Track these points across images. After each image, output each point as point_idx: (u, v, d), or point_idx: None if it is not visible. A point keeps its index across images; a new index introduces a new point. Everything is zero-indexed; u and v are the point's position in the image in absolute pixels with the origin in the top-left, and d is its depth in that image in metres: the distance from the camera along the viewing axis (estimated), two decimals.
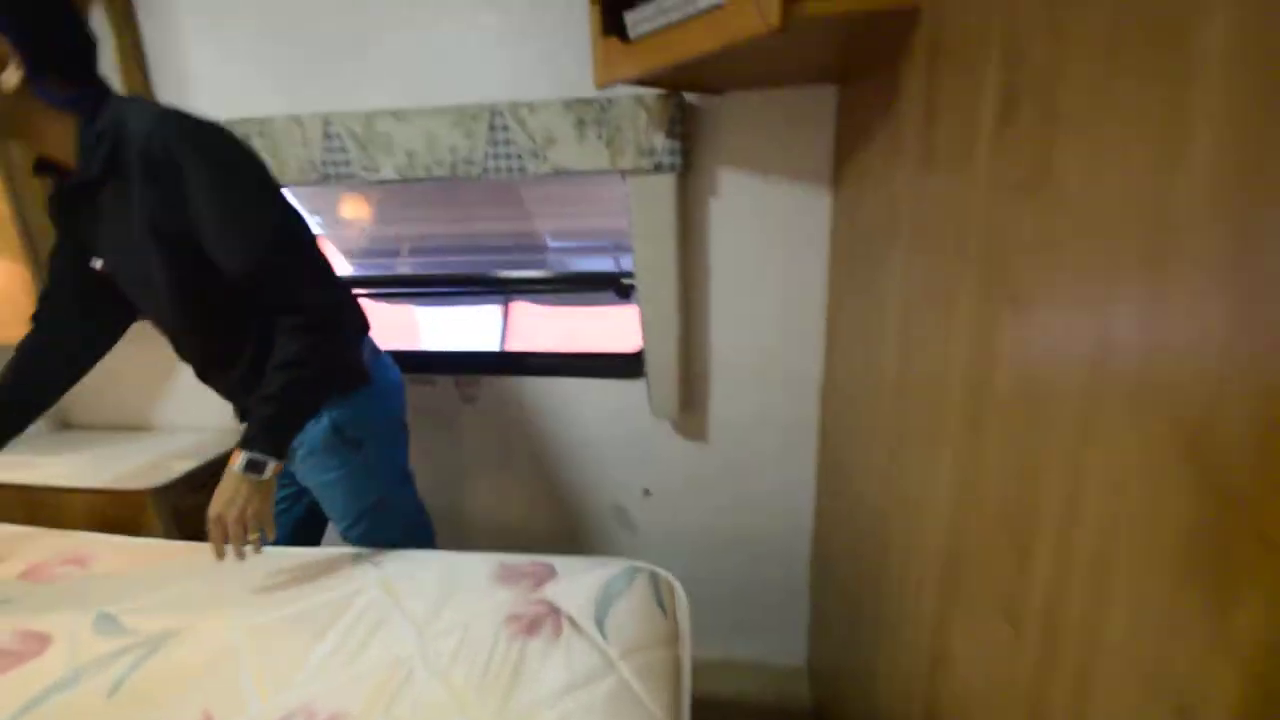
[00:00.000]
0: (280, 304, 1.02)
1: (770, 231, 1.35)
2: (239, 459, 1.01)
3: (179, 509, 1.54)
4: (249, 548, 1.05)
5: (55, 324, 1.19)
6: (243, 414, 1.23)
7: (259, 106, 1.42)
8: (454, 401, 1.63)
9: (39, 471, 1.57)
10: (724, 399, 1.48)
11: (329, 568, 1.16)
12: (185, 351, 1.18)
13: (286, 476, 1.31)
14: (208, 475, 1.61)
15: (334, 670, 0.91)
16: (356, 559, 1.18)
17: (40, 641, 0.99)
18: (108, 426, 1.89)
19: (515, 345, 1.83)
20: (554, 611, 1.00)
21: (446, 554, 1.20)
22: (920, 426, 0.77)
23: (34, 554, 1.25)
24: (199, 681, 0.90)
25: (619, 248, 2.36)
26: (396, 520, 1.29)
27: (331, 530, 1.37)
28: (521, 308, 2.18)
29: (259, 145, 1.42)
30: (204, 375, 1.20)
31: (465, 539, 1.78)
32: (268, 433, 1.03)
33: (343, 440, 1.17)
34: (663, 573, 1.09)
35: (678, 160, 1.28)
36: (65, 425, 1.92)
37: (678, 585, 1.08)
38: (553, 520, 1.70)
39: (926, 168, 0.76)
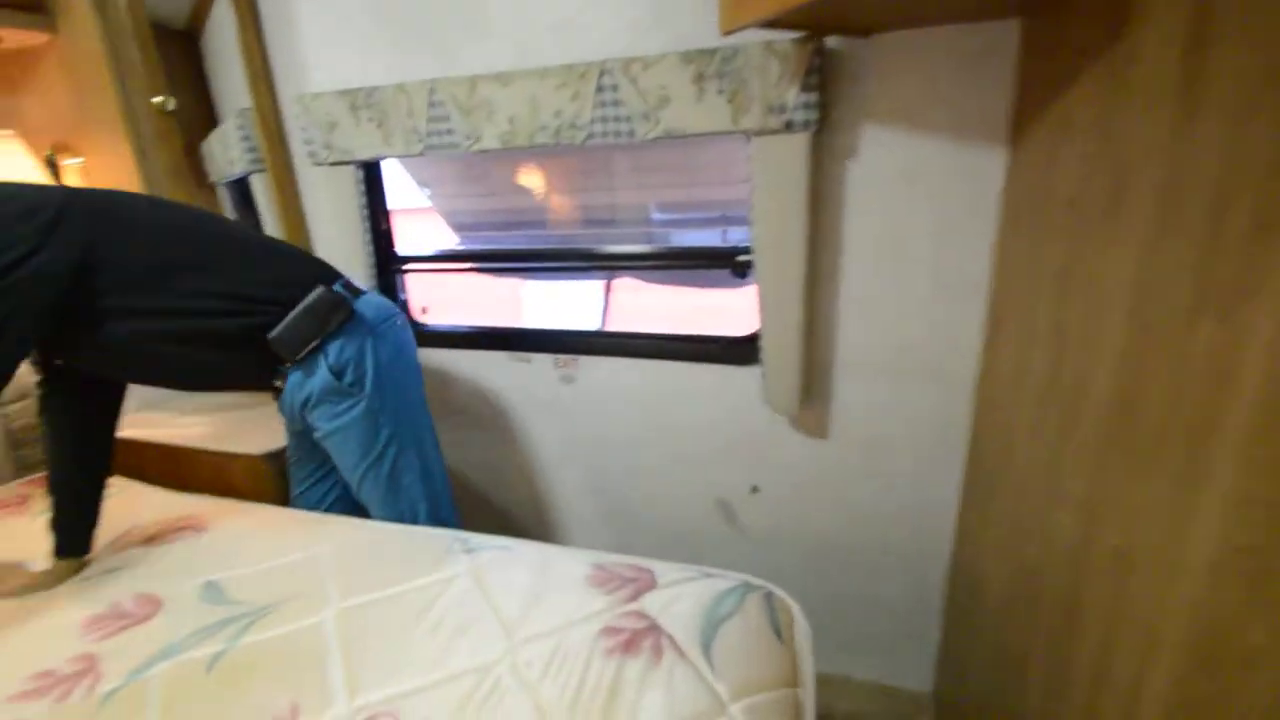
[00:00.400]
0: None
1: (922, 199, 1.14)
2: None
3: (284, 471, 1.57)
4: None
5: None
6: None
7: (370, 77, 1.38)
8: (551, 381, 1.55)
9: (172, 431, 1.66)
10: (851, 394, 1.29)
11: (423, 547, 1.12)
12: None
13: (310, 448, 1.31)
14: None
15: (421, 669, 0.85)
16: (449, 543, 1.13)
17: (152, 605, 1.02)
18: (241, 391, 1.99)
19: (617, 325, 1.73)
20: (654, 629, 0.88)
21: (538, 546, 1.13)
22: (1157, 457, 0.57)
23: (156, 514, 1.31)
24: (291, 664, 0.88)
25: (728, 220, 2.19)
26: (410, 475, 1.25)
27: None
28: (625, 284, 2.08)
29: (366, 116, 1.38)
30: None
31: (555, 528, 1.73)
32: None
33: (342, 383, 1.16)
34: (779, 593, 0.95)
35: (813, 117, 1.10)
36: None
37: (797, 611, 0.93)
38: (649, 512, 1.60)
39: (1192, 115, 0.55)
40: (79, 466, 1.17)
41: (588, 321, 2.23)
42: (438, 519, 1.27)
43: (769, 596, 0.94)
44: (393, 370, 1.22)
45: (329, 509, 1.37)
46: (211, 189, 1.70)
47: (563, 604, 0.95)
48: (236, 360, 1.16)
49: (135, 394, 1.33)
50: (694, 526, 1.54)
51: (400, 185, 1.80)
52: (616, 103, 1.21)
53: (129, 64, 1.47)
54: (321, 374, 1.15)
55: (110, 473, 1.21)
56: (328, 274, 1.22)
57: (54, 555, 1.12)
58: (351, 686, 0.83)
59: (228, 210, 1.74)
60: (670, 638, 0.87)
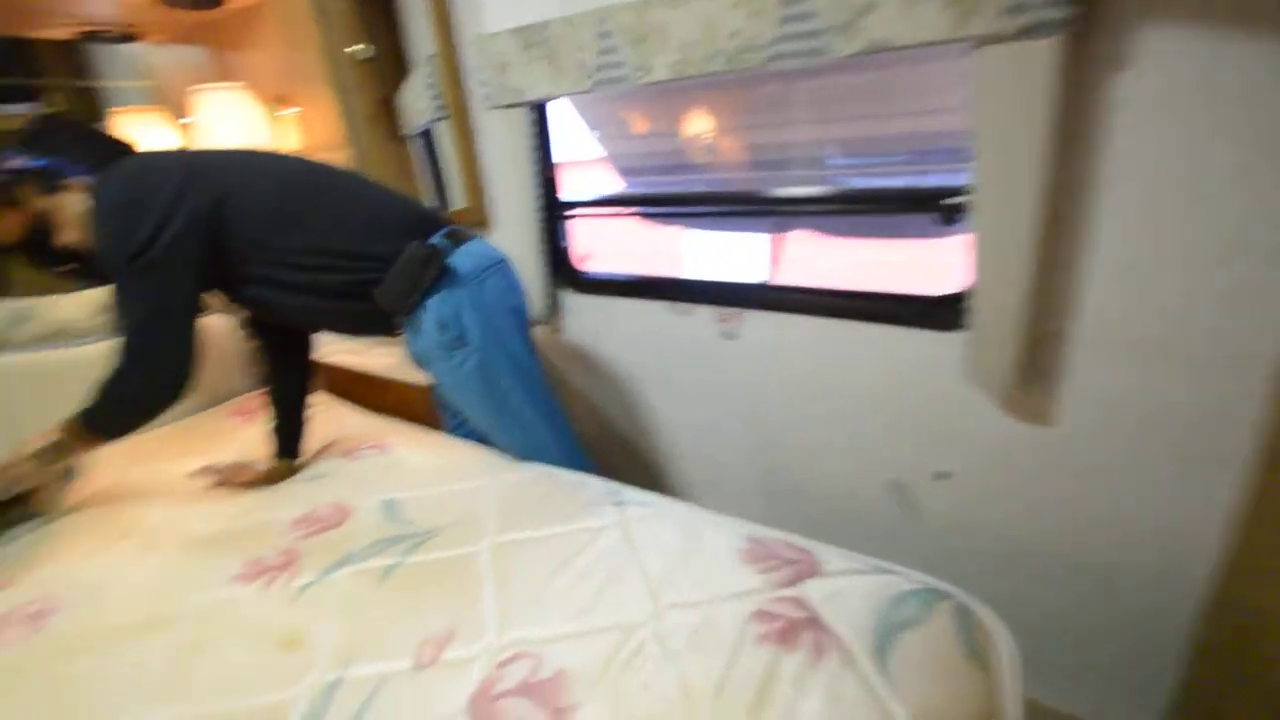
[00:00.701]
0: None
1: (1223, 131, 0.84)
2: None
3: None
4: None
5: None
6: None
7: (542, 12, 1.33)
8: (711, 336, 1.46)
9: (368, 360, 1.84)
10: (1092, 373, 1.03)
11: (573, 494, 1.11)
12: None
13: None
14: None
15: (566, 616, 0.84)
16: (600, 493, 1.11)
17: (342, 514, 1.12)
18: None
19: (788, 278, 1.58)
20: (815, 623, 0.78)
21: (689, 509, 1.06)
22: None
23: (351, 431, 1.46)
24: (451, 589, 0.91)
25: (923, 161, 1.88)
26: (536, 421, 1.25)
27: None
28: (799, 235, 1.89)
29: (537, 54, 1.35)
30: None
31: (703, 492, 1.66)
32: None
33: (447, 338, 1.15)
34: (978, 607, 0.79)
35: (1066, 15, 0.85)
36: None
37: (1003, 632, 0.77)
38: (810, 487, 1.46)
39: None
40: (284, 386, 1.33)
41: (754, 275, 2.09)
42: (572, 463, 1.27)
43: (963, 610, 0.78)
44: (496, 319, 1.20)
45: None
46: (402, 142, 1.81)
47: (713, 575, 0.88)
48: (355, 312, 1.18)
49: None
50: (859, 509, 1.39)
51: (570, 135, 1.76)
52: (806, 15, 1.04)
53: (332, 15, 1.57)
54: (427, 330, 1.15)
55: (309, 391, 1.36)
56: (429, 225, 1.19)
57: (274, 458, 1.29)
58: (502, 621, 0.84)
59: (416, 163, 1.84)
60: (835, 636, 0.76)
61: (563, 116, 1.55)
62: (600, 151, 2.01)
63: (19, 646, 0.87)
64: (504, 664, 0.77)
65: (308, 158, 1.25)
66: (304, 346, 1.36)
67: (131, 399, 1.07)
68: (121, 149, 1.14)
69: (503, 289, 1.23)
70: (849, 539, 1.01)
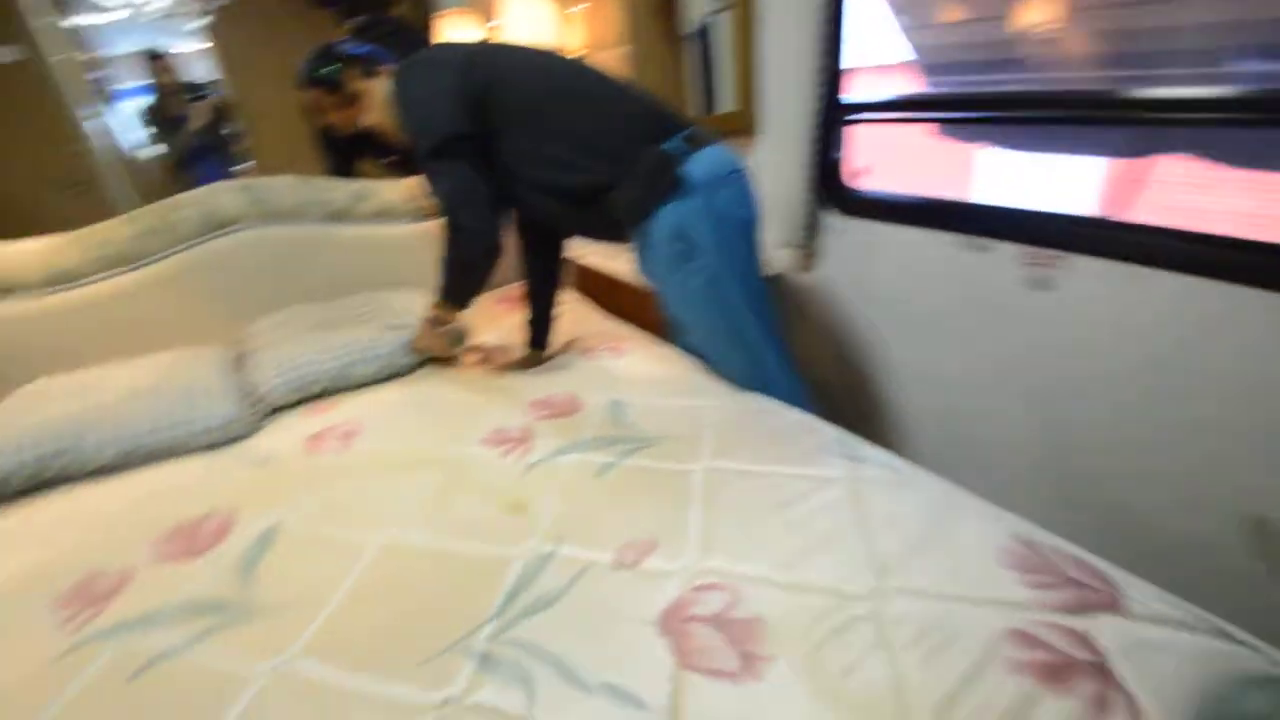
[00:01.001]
0: None
1: None
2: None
3: None
4: None
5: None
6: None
7: None
8: (1012, 281, 1.16)
9: (614, 264, 1.90)
10: None
11: (800, 436, 1.01)
12: None
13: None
14: None
15: (773, 562, 0.77)
16: (831, 440, 1.00)
17: (574, 406, 1.18)
18: None
19: (1132, 215, 1.17)
20: (1103, 673, 0.59)
21: (941, 484, 0.89)
22: None
23: (592, 330, 1.52)
24: (660, 500, 0.90)
25: None
26: (761, 344, 1.19)
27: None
28: (1166, 161, 1.39)
29: None
30: None
31: (959, 470, 1.38)
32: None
33: (676, 250, 1.11)
34: None
35: None
36: None
37: None
38: (1117, 496, 1.13)
39: None
40: (538, 282, 1.42)
41: (1083, 208, 1.63)
42: (794, 398, 1.16)
43: None
44: (727, 231, 1.11)
45: None
46: (679, 42, 1.73)
47: (960, 570, 0.73)
48: (589, 217, 1.18)
49: None
50: (1190, 542, 1.04)
51: (867, 34, 1.50)
52: None
53: None
54: (657, 241, 1.11)
55: (559, 289, 1.44)
56: (669, 128, 1.12)
57: (526, 346, 1.41)
58: (704, 545, 0.80)
59: (689, 64, 1.76)
60: (1132, 700, 0.56)
61: (860, 6, 1.30)
62: (900, 50, 1.70)
63: (333, 455, 1.09)
64: (700, 589, 0.74)
65: (578, 59, 1.26)
66: (557, 246, 1.43)
67: (459, 268, 1.24)
68: (424, 42, 1.28)
69: (736, 199, 1.15)
70: (1163, 578, 0.75)
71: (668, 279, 1.18)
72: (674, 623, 0.70)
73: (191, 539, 0.91)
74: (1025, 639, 0.63)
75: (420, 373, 1.40)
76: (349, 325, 1.47)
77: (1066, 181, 1.90)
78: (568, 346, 1.47)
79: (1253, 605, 0.98)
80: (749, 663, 0.65)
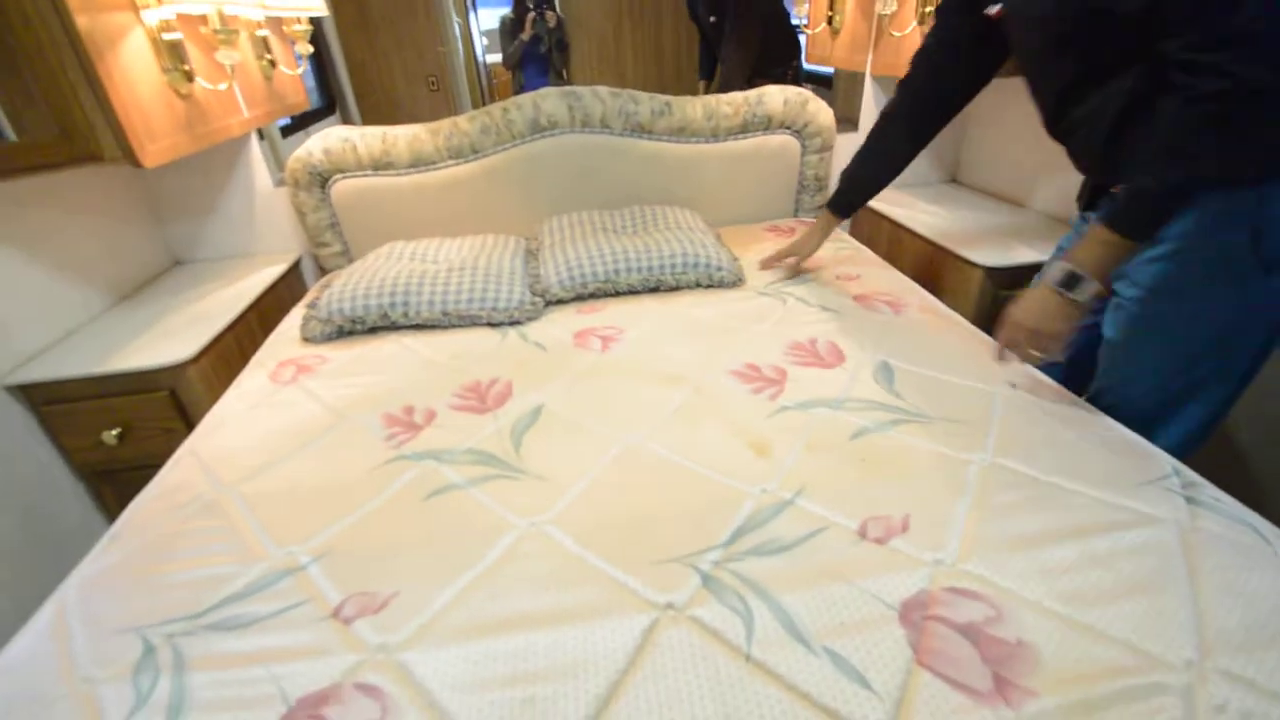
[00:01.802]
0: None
1: None
2: (1058, 269, 0.85)
3: (997, 295, 1.42)
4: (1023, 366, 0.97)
5: (931, 77, 1.18)
6: (1091, 195, 1.00)
7: None
8: None
9: (909, 213, 1.71)
10: None
11: (1122, 458, 0.82)
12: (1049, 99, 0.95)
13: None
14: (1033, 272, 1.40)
15: (1060, 594, 0.65)
16: (1164, 471, 0.79)
17: (837, 358, 1.10)
18: (987, 192, 1.88)
19: None
20: None
21: None
22: None
23: (871, 283, 1.39)
24: (922, 480, 0.81)
25: None
26: (1215, 399, 0.91)
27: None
28: None
29: None
30: (1054, 128, 0.97)
31: None
32: (1133, 206, 0.80)
33: (1254, 257, 0.79)
34: None
35: None
36: (953, 180, 2.01)
37: None
38: None
39: None
40: (895, 158, 1.28)
41: None
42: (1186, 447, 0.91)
43: None
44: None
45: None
46: None
47: None
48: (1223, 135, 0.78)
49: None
50: None
51: None
52: None
53: None
54: (1209, 227, 0.80)
55: (898, 173, 1.30)
56: None
57: (825, 208, 1.39)
58: (967, 546, 0.71)
59: None
60: None
61: None
62: None
63: (594, 356, 1.18)
64: (954, 591, 0.65)
65: None
66: (929, 135, 1.24)
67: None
68: None
69: None
70: None
71: (1175, 284, 0.85)
72: (913, 615, 0.63)
73: (482, 397, 1.07)
74: None
75: (681, 291, 1.43)
76: (625, 235, 1.55)
77: None
78: (838, 289, 1.37)
79: None
80: (1004, 688, 0.56)
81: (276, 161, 1.80)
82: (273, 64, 1.67)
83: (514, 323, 1.33)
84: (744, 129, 1.75)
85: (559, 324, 1.32)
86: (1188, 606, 0.62)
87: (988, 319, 1.43)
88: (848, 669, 0.59)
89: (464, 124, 1.67)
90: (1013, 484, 0.79)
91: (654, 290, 1.44)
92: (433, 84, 2.85)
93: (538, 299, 1.39)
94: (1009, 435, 0.87)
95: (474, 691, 0.59)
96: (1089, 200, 1.01)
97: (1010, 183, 1.76)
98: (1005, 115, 1.74)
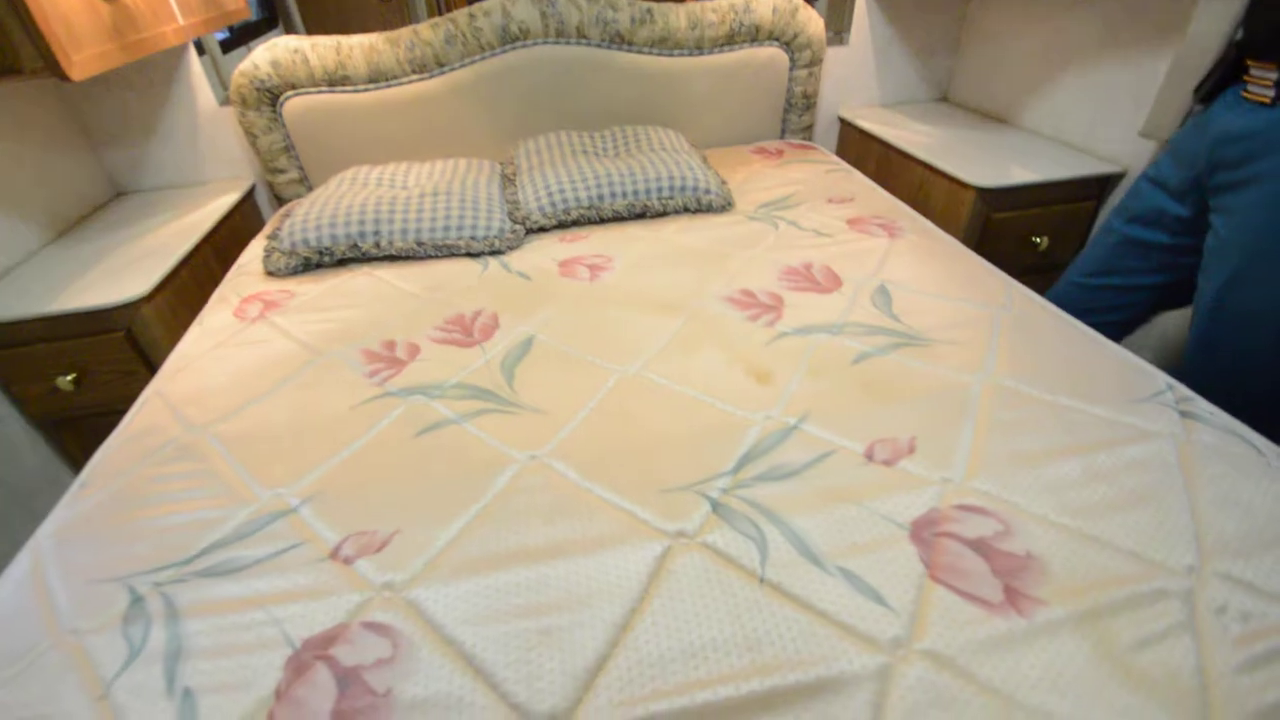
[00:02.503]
0: None
1: None
2: None
3: (990, 216, 1.40)
4: None
5: None
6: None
7: None
8: None
9: (900, 133, 1.65)
10: None
11: (1119, 374, 0.83)
12: None
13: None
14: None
15: (1066, 506, 0.66)
16: (1160, 387, 0.80)
17: (834, 283, 1.07)
18: (978, 110, 1.82)
19: None
20: None
21: None
22: None
23: (863, 206, 1.35)
24: (925, 403, 0.80)
25: None
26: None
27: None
28: None
29: None
30: None
31: None
32: None
33: None
34: None
35: None
36: (944, 99, 1.95)
37: None
38: None
39: None
40: None
41: None
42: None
43: None
44: None
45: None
46: None
47: None
48: None
49: None
50: None
51: None
52: None
53: None
54: None
55: None
56: None
57: None
58: (974, 464, 0.71)
59: None
60: None
61: None
62: None
63: (583, 285, 1.13)
64: (964, 508, 0.66)
65: None
66: None
67: None
68: None
69: None
70: None
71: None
72: (925, 532, 0.64)
73: (467, 330, 1.02)
74: None
75: (668, 218, 1.37)
76: (607, 157, 1.47)
77: None
78: (827, 213, 1.32)
79: None
80: (1015, 599, 0.57)
81: (220, 79, 1.64)
82: None
83: (494, 252, 1.27)
84: (730, 40, 1.64)
85: (542, 252, 1.26)
86: (1186, 516, 0.64)
87: (980, 239, 1.41)
88: (863, 586, 0.59)
89: (426, 32, 1.53)
90: (1015, 403, 0.79)
91: (640, 216, 1.38)
92: None
93: (518, 226, 1.32)
94: (1008, 355, 0.87)
95: (489, 624, 0.57)
96: (1211, 90, 0.92)
97: (1002, 102, 1.71)
98: (1001, 31, 1.67)
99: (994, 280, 1.05)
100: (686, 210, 1.38)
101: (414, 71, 1.56)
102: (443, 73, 1.56)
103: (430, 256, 1.26)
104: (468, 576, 0.62)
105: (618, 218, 1.37)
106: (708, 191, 1.37)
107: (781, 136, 1.80)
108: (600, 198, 1.35)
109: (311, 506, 0.71)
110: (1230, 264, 0.88)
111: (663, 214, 1.38)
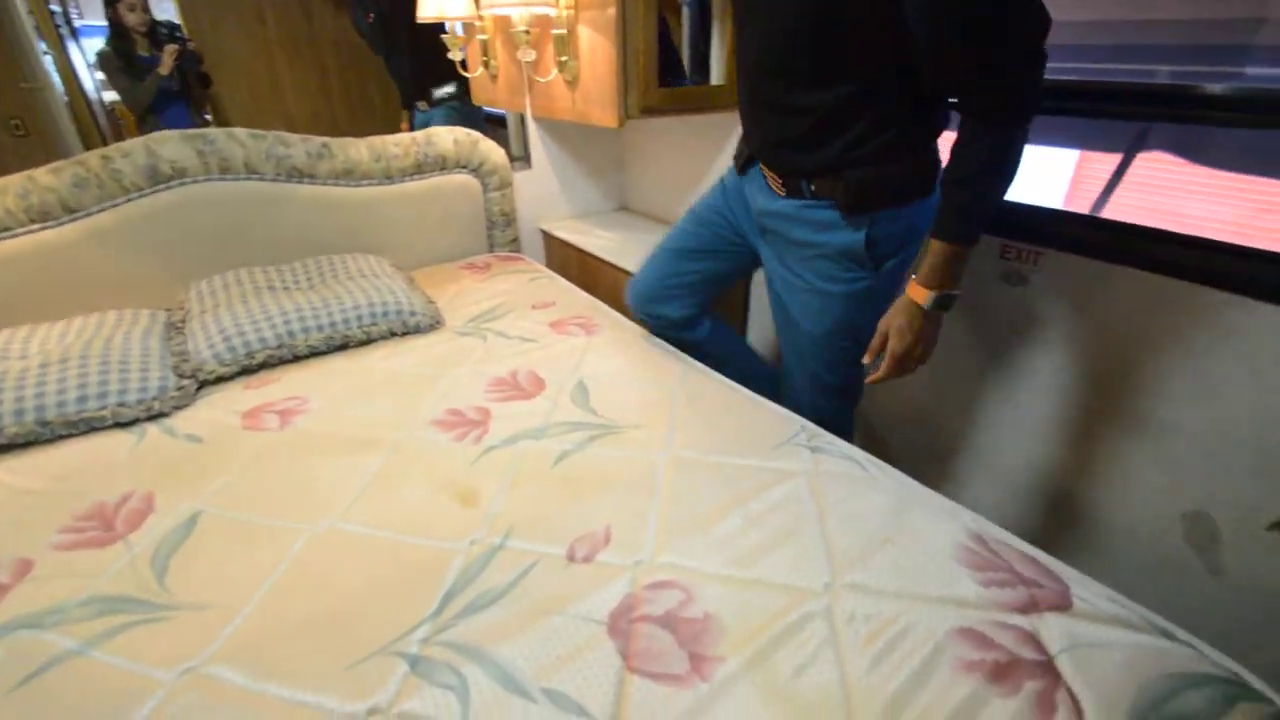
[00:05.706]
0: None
1: None
2: (928, 296, 0.88)
3: None
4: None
5: None
6: (746, 163, 1.08)
7: None
8: (989, 278, 1.16)
9: (590, 240, 1.84)
10: None
11: (767, 426, 0.99)
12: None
13: (736, 237, 1.16)
14: None
15: (729, 559, 0.74)
16: (795, 430, 0.97)
17: (537, 387, 1.13)
18: (650, 215, 2.11)
19: (1111, 213, 1.17)
20: (1048, 671, 0.58)
21: (901, 479, 0.88)
22: None
23: (564, 309, 1.46)
24: (618, 491, 0.86)
25: None
26: (848, 367, 1.09)
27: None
28: (1147, 157, 1.39)
29: None
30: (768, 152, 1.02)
31: (937, 476, 1.40)
32: (964, 221, 0.84)
33: (870, 256, 0.96)
34: None
35: None
36: (624, 208, 2.23)
37: None
38: (1069, 492, 1.15)
39: None
40: None
41: (1053, 202, 1.64)
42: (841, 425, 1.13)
43: None
44: (911, 252, 0.99)
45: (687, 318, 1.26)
46: (677, 7, 1.64)
47: (914, 566, 0.71)
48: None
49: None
50: (1140, 531, 1.06)
51: None
52: None
53: None
54: (857, 235, 0.94)
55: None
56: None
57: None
58: (661, 540, 0.78)
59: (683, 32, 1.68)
60: (1073, 699, 0.55)
61: None
62: None
63: (270, 436, 1.03)
64: (652, 586, 0.71)
65: None
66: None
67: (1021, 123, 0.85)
68: None
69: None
70: (1109, 577, 0.75)
71: (817, 269, 1.01)
72: (621, 622, 0.67)
73: (107, 522, 0.84)
74: (975, 638, 0.62)
75: (373, 344, 1.32)
76: (298, 291, 1.38)
77: (1045, 174, 1.90)
78: (537, 318, 1.40)
79: (1181, 599, 1.00)
80: (698, 664, 0.62)
81: None
82: None
83: (154, 416, 1.09)
84: (419, 169, 1.70)
85: (220, 407, 1.12)
86: (821, 540, 0.77)
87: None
88: (567, 704, 0.59)
89: (45, 178, 1.32)
90: (690, 471, 0.89)
91: (342, 348, 1.31)
92: (17, 128, 2.21)
93: (187, 381, 1.16)
94: (684, 427, 0.99)
95: None
96: (743, 166, 1.11)
97: (666, 206, 2.02)
98: (654, 151, 1.99)
99: (672, 361, 1.21)
100: (393, 334, 1.35)
101: (34, 220, 1.32)
102: (75, 219, 1.35)
103: (61, 437, 1.03)
104: None
105: (315, 353, 1.28)
106: (413, 314, 1.37)
107: (490, 251, 1.89)
108: (291, 334, 1.26)
109: None
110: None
111: (367, 342, 1.33)
